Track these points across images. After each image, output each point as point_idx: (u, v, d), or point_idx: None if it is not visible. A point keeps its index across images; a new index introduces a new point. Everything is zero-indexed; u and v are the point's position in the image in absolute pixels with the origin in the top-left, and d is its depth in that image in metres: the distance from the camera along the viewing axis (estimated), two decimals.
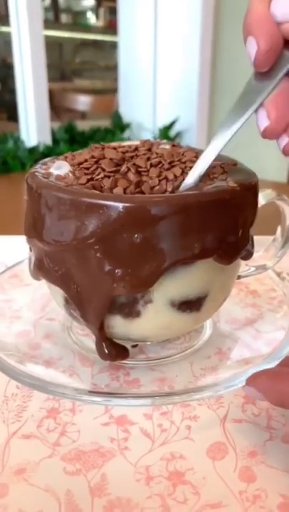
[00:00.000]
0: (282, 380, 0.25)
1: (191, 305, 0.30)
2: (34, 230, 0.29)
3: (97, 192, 0.27)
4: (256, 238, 0.33)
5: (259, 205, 0.32)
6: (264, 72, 0.24)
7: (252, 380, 0.26)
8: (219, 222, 0.28)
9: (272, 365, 0.29)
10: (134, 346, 0.34)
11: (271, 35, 0.22)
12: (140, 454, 0.26)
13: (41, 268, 0.30)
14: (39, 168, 0.31)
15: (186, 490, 0.24)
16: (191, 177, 0.28)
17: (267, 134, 0.25)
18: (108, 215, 0.25)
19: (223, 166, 0.31)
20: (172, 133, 2.08)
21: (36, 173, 0.30)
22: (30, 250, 0.32)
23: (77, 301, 0.29)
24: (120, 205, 0.25)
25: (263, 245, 0.38)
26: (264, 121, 0.25)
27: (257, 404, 0.30)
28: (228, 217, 0.28)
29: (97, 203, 0.26)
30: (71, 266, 0.28)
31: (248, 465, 0.25)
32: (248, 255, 0.32)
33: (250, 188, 0.30)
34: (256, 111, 0.25)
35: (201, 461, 0.25)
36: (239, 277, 0.36)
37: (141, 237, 0.26)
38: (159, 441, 0.27)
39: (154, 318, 0.29)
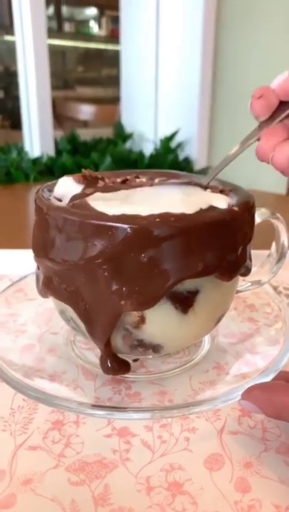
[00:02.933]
0: (276, 393, 0.26)
1: (182, 300, 0.30)
2: (43, 250, 0.30)
3: (105, 214, 0.28)
4: (252, 253, 0.34)
5: (255, 224, 0.34)
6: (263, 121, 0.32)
7: (247, 394, 0.27)
8: (220, 241, 0.29)
9: (267, 379, 0.30)
10: (135, 360, 0.35)
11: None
12: (141, 465, 0.27)
13: (49, 286, 0.31)
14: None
15: (184, 500, 0.25)
16: (207, 177, 0.34)
17: (258, 152, 0.32)
18: (115, 236, 0.27)
19: (222, 190, 0.32)
20: (173, 144, 2.10)
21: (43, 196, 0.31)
22: (38, 269, 0.33)
23: (85, 318, 0.30)
24: (127, 227, 0.27)
25: (258, 259, 0.39)
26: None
27: (253, 417, 0.31)
28: (229, 236, 0.30)
29: (105, 225, 0.27)
30: (80, 284, 0.29)
31: (243, 476, 0.26)
32: (247, 272, 0.34)
33: (247, 209, 0.31)
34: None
35: (199, 472, 0.27)
36: (236, 292, 0.38)
37: (146, 257, 0.27)
38: (159, 453, 0.28)
39: None
